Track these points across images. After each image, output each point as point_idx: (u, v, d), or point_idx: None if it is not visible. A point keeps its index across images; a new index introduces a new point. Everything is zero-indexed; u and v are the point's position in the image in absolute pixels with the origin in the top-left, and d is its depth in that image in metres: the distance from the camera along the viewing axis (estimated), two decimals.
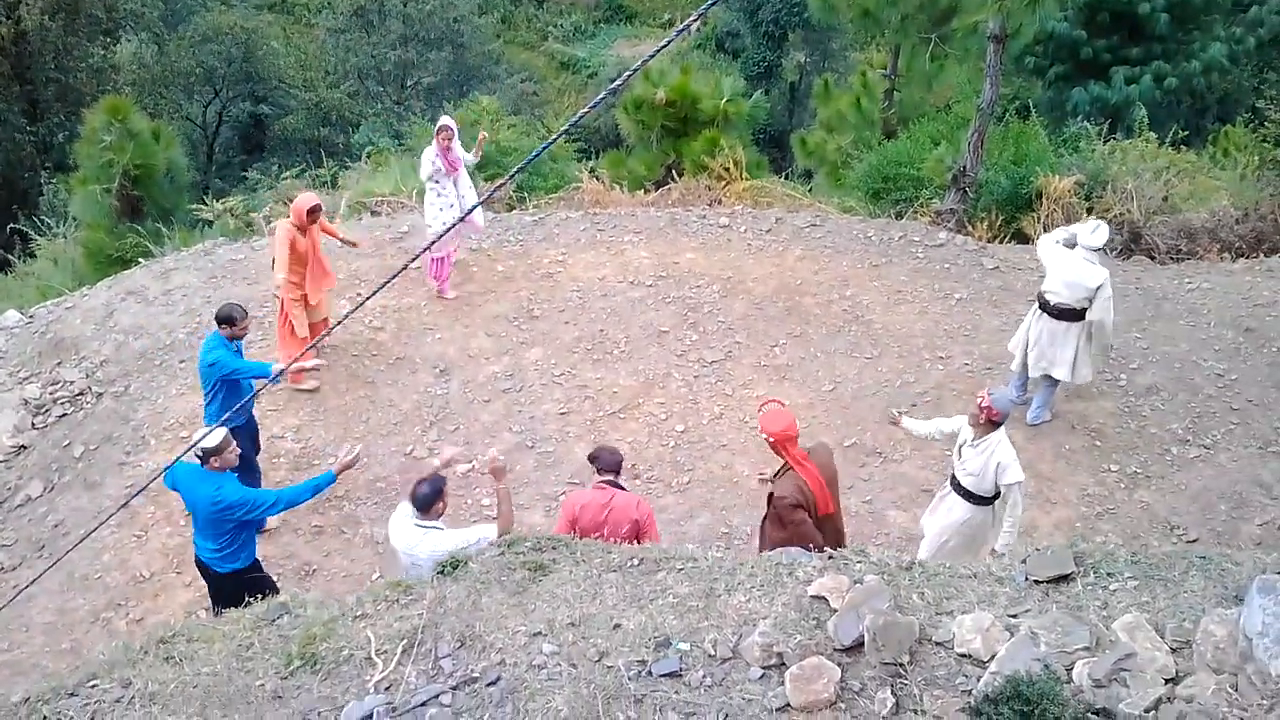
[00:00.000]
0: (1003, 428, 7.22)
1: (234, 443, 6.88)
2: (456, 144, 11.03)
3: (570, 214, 13.33)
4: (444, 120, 11.14)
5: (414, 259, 5.12)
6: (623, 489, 6.70)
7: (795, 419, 6.90)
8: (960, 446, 7.39)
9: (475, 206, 4.97)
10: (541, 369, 10.54)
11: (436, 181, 10.87)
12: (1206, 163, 15.46)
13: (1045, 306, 9.25)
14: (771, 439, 6.77)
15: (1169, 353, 10.62)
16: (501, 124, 17.48)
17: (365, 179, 15.81)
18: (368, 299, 4.87)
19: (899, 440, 9.50)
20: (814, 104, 22.05)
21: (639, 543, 6.24)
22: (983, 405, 7.10)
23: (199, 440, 6.65)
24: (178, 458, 6.54)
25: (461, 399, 10.23)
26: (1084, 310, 9.11)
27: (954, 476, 7.46)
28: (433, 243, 5.70)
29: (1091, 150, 14.15)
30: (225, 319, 8.29)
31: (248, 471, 8.34)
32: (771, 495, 6.86)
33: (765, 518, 7.03)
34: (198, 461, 6.75)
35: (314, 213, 9.81)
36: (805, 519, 6.68)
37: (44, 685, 5.09)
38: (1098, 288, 9.00)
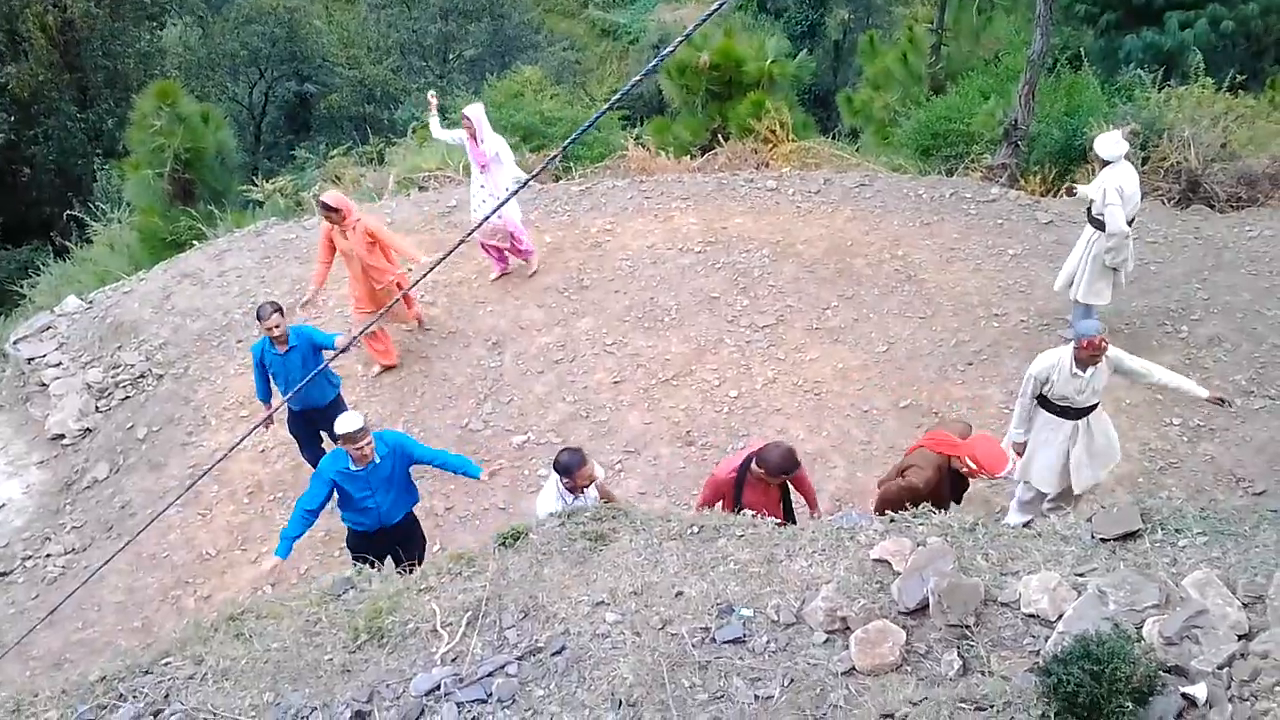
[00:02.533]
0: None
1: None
2: (485, 131, 10.46)
3: (617, 182, 13.29)
4: (463, 110, 10.57)
5: (447, 253, 5.11)
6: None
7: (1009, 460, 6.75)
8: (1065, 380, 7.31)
9: (524, 184, 4.92)
10: (593, 339, 10.54)
11: (480, 185, 10.63)
12: (1266, 107, 15.04)
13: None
14: (979, 468, 6.60)
15: (1230, 303, 10.40)
16: (545, 94, 17.45)
17: (411, 154, 15.83)
18: (419, 279, 4.88)
19: (956, 400, 9.41)
20: (859, 61, 21.81)
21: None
22: (1085, 344, 7.07)
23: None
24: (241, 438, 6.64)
25: (514, 371, 10.27)
26: None
27: (1065, 409, 7.41)
28: (471, 232, 5.64)
29: (1146, 99, 13.82)
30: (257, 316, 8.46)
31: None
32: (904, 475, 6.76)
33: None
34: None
35: (325, 209, 9.53)
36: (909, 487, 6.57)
37: (118, 663, 5.20)
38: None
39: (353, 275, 9.77)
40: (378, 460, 7.00)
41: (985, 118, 14.02)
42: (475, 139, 10.39)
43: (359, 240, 9.46)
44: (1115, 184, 9.11)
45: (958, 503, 6.85)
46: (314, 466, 8.52)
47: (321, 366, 6.27)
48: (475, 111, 10.45)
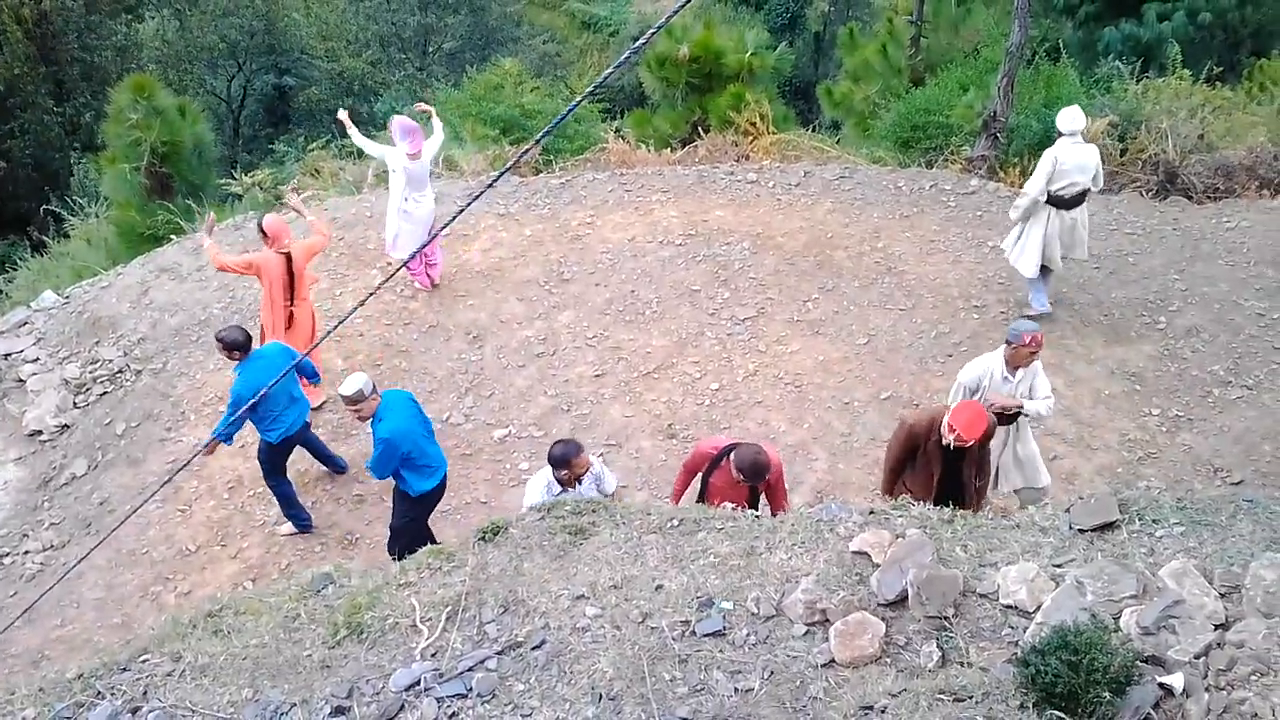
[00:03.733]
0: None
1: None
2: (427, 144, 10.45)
3: (597, 175, 13.27)
4: (406, 122, 10.39)
5: (387, 279, 5.10)
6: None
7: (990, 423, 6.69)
8: (997, 386, 7.35)
9: (501, 174, 4.90)
10: (574, 332, 10.53)
11: (405, 198, 10.34)
12: (1242, 98, 15.13)
13: (1061, 203, 9.73)
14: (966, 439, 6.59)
15: (1208, 293, 10.46)
16: (525, 86, 17.38)
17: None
18: (359, 306, 4.86)
19: (936, 391, 9.44)
20: (839, 54, 21.75)
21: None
22: (1016, 343, 7.14)
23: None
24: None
25: (495, 364, 10.24)
26: (1087, 189, 9.80)
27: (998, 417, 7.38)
28: (419, 248, 5.63)
29: (1124, 90, 13.89)
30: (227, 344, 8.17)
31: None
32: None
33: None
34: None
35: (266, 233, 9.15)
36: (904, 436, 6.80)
37: (97, 660, 5.17)
38: (1098, 159, 9.77)
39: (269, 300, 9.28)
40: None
41: (964, 110, 14.05)
42: (419, 152, 10.24)
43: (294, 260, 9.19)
44: (1053, 154, 9.61)
45: (955, 475, 6.84)
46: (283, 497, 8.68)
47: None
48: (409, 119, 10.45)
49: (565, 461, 6.50)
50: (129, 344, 10.85)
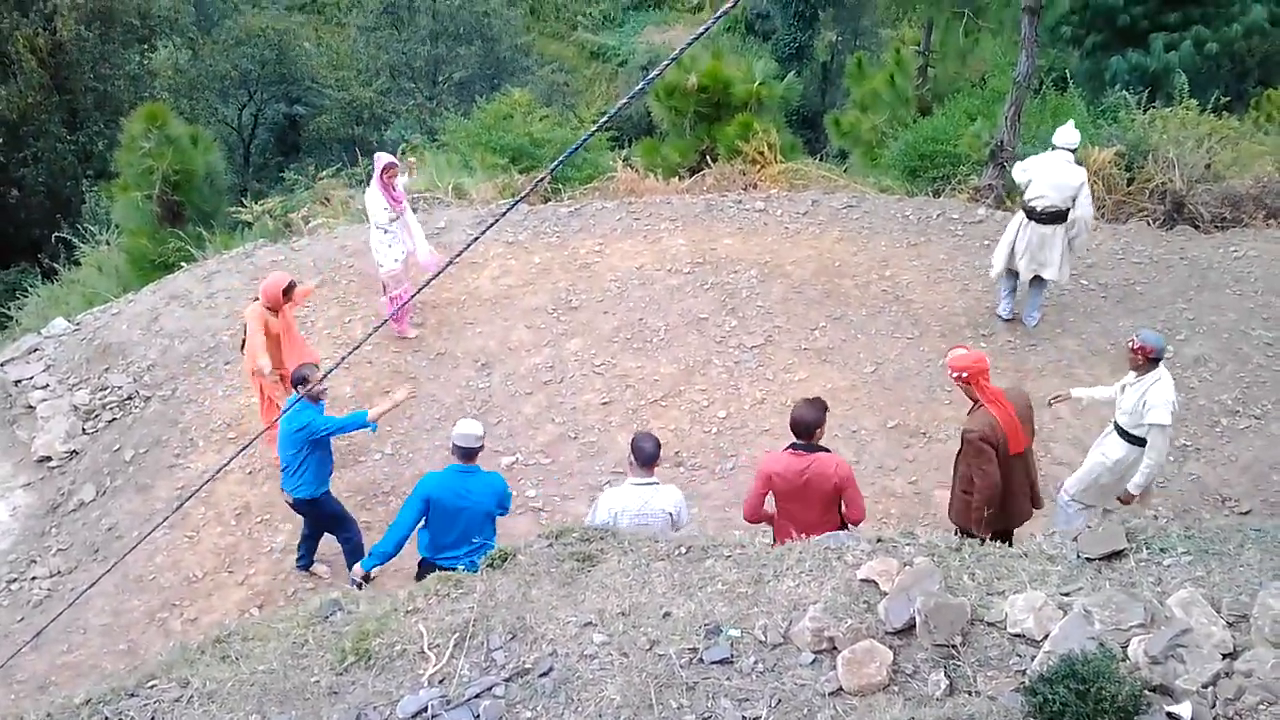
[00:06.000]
0: (1162, 365, 7.37)
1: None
2: (400, 179, 10.64)
3: (606, 204, 13.34)
4: (387, 157, 10.52)
5: (381, 324, 5.13)
6: (824, 449, 6.62)
7: (985, 356, 6.84)
8: (1123, 386, 7.55)
9: (516, 203, 4.94)
10: (582, 359, 10.56)
11: (387, 230, 10.37)
12: (1249, 128, 15.21)
13: (1033, 214, 9.93)
14: (965, 374, 6.75)
15: (1216, 323, 10.47)
16: (534, 116, 17.49)
17: (400, 176, 15.85)
18: (357, 347, 4.88)
19: (944, 420, 9.44)
20: (847, 83, 21.89)
21: (841, 504, 6.50)
22: (1134, 347, 7.30)
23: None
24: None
25: (503, 392, 10.27)
26: (1067, 210, 9.91)
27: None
28: (421, 288, 5.69)
29: (1131, 120, 13.94)
30: (299, 380, 7.81)
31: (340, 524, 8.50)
32: (963, 432, 6.89)
33: (959, 454, 7.05)
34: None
35: (290, 291, 9.09)
36: (990, 457, 6.70)
37: (104, 686, 5.17)
38: (1080, 185, 9.84)
39: (287, 358, 9.16)
40: None
41: (972, 139, 14.10)
42: (395, 182, 10.46)
43: (289, 318, 9.27)
44: (1031, 161, 10.03)
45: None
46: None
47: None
48: (394, 157, 10.85)
49: (654, 459, 6.62)
50: (138, 370, 10.90)
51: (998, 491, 6.78)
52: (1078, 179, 9.82)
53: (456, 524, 6.95)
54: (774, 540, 6.49)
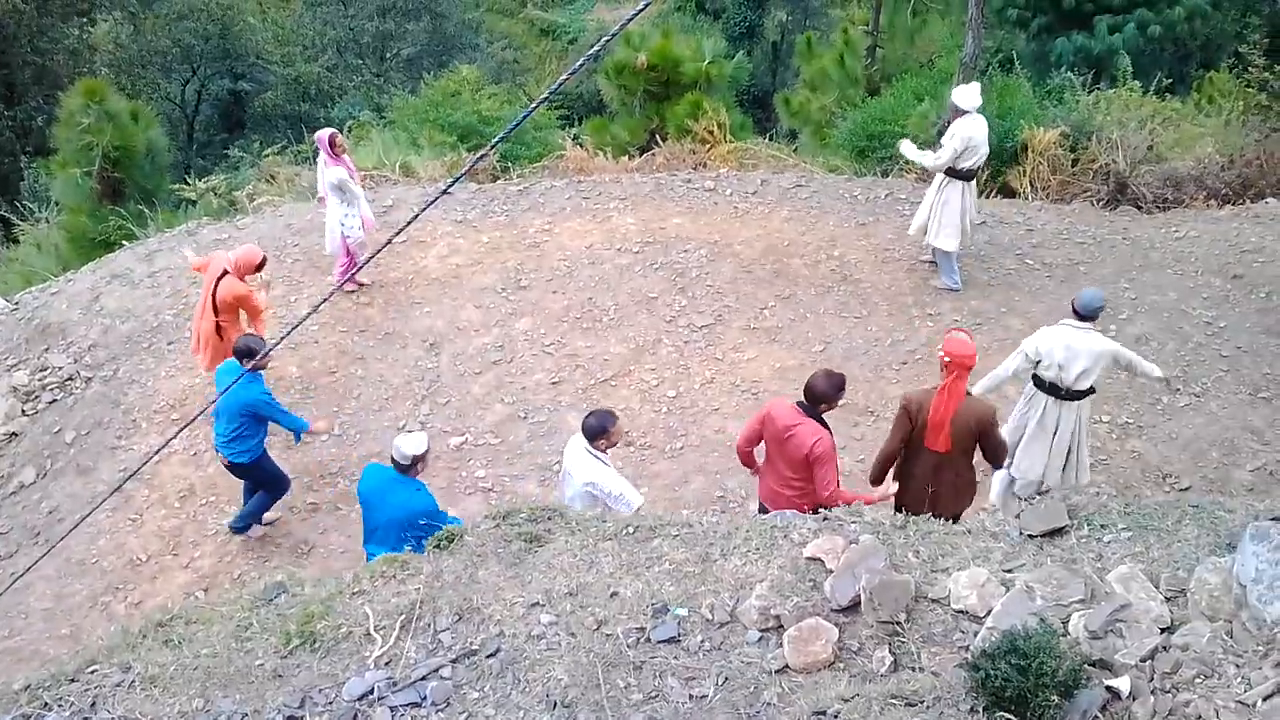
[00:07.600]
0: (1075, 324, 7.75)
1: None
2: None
3: (555, 182, 13.27)
4: (329, 130, 10.70)
5: (339, 287, 5.07)
6: (821, 421, 6.64)
7: (977, 354, 6.81)
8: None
9: (457, 179, 4.86)
10: (531, 339, 10.51)
11: (348, 199, 10.46)
12: (1191, 110, 15.40)
13: (967, 175, 10.41)
14: (949, 360, 6.67)
15: (1157, 302, 10.63)
16: (483, 93, 17.36)
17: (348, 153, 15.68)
18: (303, 319, 4.83)
19: (891, 399, 9.50)
20: (797, 63, 21.94)
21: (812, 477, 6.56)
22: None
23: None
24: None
25: (452, 372, 10.21)
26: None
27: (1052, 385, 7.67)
28: (375, 253, 5.62)
29: (1076, 101, 14.09)
30: (245, 352, 7.86)
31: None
32: None
33: None
34: None
35: (262, 265, 9.23)
36: (901, 425, 6.82)
37: (44, 672, 5.09)
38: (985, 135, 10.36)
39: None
40: None
41: (919, 119, 14.19)
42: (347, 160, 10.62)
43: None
44: (966, 133, 10.11)
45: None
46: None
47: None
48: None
49: (604, 431, 6.68)
50: (79, 351, 10.71)
51: (888, 460, 6.99)
52: (984, 127, 10.36)
53: (372, 521, 6.93)
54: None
